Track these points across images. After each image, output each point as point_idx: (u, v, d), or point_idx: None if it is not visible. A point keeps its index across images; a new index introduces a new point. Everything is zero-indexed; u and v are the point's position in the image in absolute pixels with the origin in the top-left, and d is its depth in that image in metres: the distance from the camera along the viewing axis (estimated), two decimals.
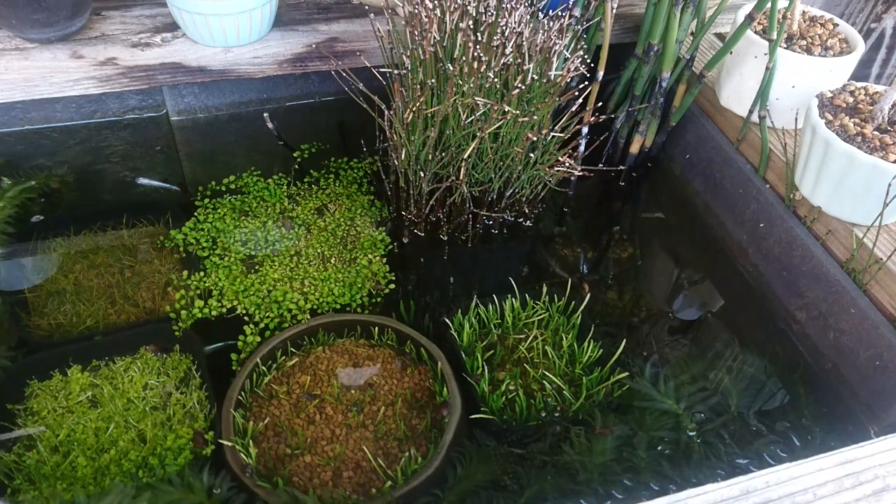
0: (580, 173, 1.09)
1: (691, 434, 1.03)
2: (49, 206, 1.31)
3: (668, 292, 1.31)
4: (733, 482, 0.78)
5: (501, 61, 1.08)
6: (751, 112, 1.25)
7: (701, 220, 1.40)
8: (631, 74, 1.39)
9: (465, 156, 1.10)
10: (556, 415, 1.07)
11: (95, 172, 1.38)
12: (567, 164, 1.09)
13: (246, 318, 1.17)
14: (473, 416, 1.05)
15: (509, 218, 1.33)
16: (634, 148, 1.41)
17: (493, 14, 1.09)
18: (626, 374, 1.10)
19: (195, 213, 1.32)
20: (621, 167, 1.44)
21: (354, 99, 1.24)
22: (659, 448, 1.01)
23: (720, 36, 1.54)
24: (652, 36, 1.24)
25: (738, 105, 1.29)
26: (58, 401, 1.03)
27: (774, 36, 1.13)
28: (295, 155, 1.47)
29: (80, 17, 1.25)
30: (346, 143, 1.51)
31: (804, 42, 1.21)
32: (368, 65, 1.20)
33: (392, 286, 1.25)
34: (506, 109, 0.99)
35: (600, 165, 1.37)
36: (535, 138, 1.03)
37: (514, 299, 1.21)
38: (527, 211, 1.32)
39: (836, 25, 1.25)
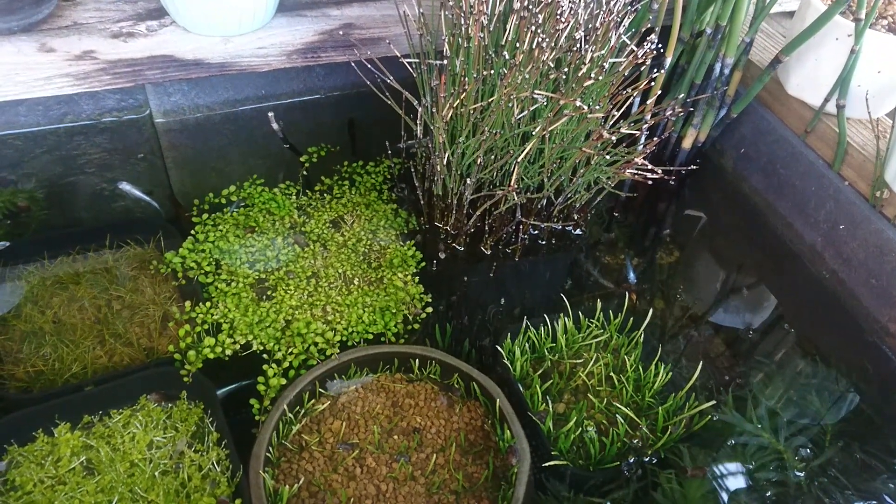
0: (659, 175, 0.95)
1: (799, 474, 0.90)
2: (16, 227, 1.14)
3: (734, 303, 1.19)
4: None
5: (560, 45, 0.92)
6: (826, 101, 1.12)
7: (763, 221, 1.29)
8: (675, 61, 1.25)
9: (519, 158, 0.95)
10: (647, 458, 0.92)
11: (69, 186, 1.22)
12: (644, 165, 0.94)
13: (264, 355, 1.01)
14: (547, 465, 0.90)
15: (558, 226, 1.18)
16: (687, 143, 1.27)
17: None
18: (712, 402, 0.97)
19: (193, 232, 1.15)
20: (686, 166, 1.30)
21: (365, 93, 1.10)
22: (767, 493, 0.88)
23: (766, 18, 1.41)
24: (722, 16, 1.10)
25: (811, 93, 1.17)
26: (45, 469, 0.88)
27: (863, 15, 1.00)
28: (302, 159, 1.30)
29: (47, 3, 1.06)
30: (359, 145, 1.35)
31: (885, 21, 1.09)
32: (397, 54, 1.03)
33: (429, 309, 1.09)
34: (578, 103, 0.84)
35: (646, 163, 1.24)
36: (613, 137, 0.88)
37: (566, 318, 1.07)
38: (576, 218, 1.18)
39: None
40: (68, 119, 1.22)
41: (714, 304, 1.19)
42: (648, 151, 1.02)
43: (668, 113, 0.98)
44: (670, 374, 1.02)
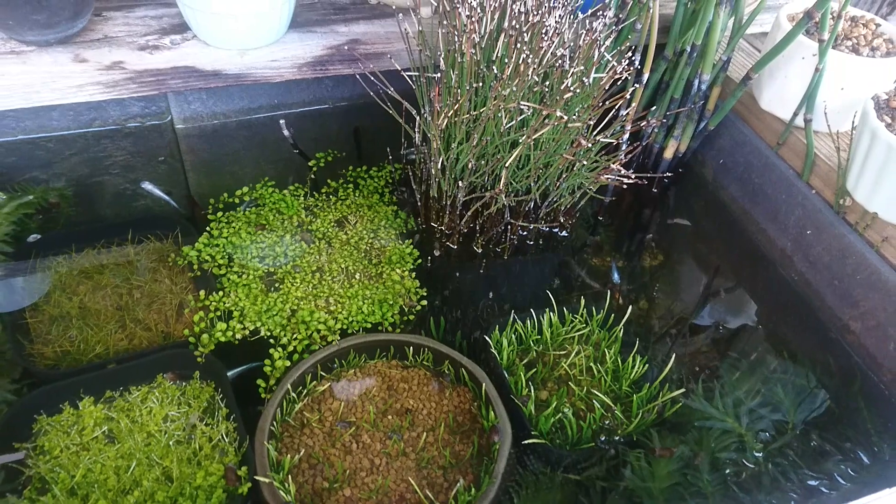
0: (633, 180, 1.03)
1: (758, 455, 0.97)
2: (47, 222, 1.22)
3: (710, 302, 1.26)
4: None
5: (545, 61, 1.01)
6: (795, 115, 1.20)
7: (739, 227, 1.36)
8: (660, 77, 1.34)
9: (507, 163, 1.04)
10: (617, 437, 1.00)
11: (95, 185, 1.30)
12: (619, 171, 1.03)
13: (271, 340, 1.10)
14: (526, 442, 0.98)
15: (545, 228, 1.27)
16: (668, 153, 1.36)
17: (535, 14, 1.02)
18: (682, 390, 1.04)
19: (208, 228, 1.23)
20: (666, 174, 1.38)
21: (370, 104, 1.18)
22: (726, 471, 0.96)
23: (745, 38, 1.50)
24: (696, 36, 1.19)
25: (781, 108, 1.25)
26: (70, 437, 0.95)
27: (825, 36, 1.09)
28: (310, 164, 1.39)
29: (82, 18, 1.16)
30: (363, 151, 1.44)
31: (850, 42, 1.17)
32: (399, 68, 1.12)
33: (423, 302, 1.17)
34: (558, 114, 0.93)
35: (630, 172, 1.32)
36: (589, 145, 0.97)
37: (551, 313, 1.15)
38: (562, 220, 1.26)
39: (878, 25, 1.21)
40: (97, 124, 1.32)
41: (691, 304, 1.26)
42: (625, 159, 1.10)
43: (643, 124, 1.06)
44: (647, 366, 1.10)
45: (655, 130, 1.35)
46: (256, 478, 0.90)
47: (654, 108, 1.36)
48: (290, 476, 0.93)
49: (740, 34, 1.23)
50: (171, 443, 0.95)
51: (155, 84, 1.15)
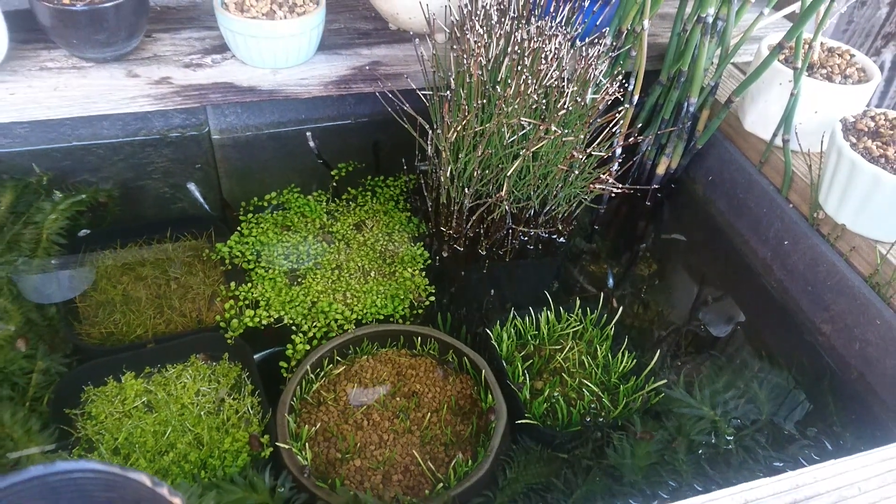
0: (620, 190, 1.15)
1: (729, 438, 1.07)
2: (96, 219, 1.33)
3: (695, 307, 1.36)
4: (783, 477, 0.82)
5: (545, 83, 1.14)
6: (774, 136, 1.31)
7: (725, 239, 1.46)
8: (655, 100, 1.46)
9: (509, 173, 1.16)
10: (601, 420, 1.11)
11: (139, 188, 1.41)
12: (609, 182, 1.15)
13: (293, 327, 1.21)
14: (519, 422, 1.08)
15: (544, 234, 1.38)
16: (660, 169, 1.47)
17: (536, 41, 1.15)
18: (664, 381, 1.14)
19: (239, 228, 1.35)
20: (654, 187, 1.50)
21: (388, 120, 1.29)
22: (699, 452, 1.06)
23: (736, 65, 1.61)
24: (683, 63, 1.31)
25: (762, 129, 1.36)
26: (114, 406, 1.06)
27: (799, 64, 1.20)
28: (333, 173, 1.51)
29: (135, 38, 1.30)
30: (381, 162, 1.56)
31: (824, 71, 1.28)
32: (414, 87, 1.25)
33: (432, 298, 1.29)
34: (553, 129, 1.05)
35: (620, 183, 1.43)
36: (581, 157, 1.09)
37: (549, 312, 1.25)
38: (560, 228, 1.38)
39: (852, 56, 1.33)
40: (142, 133, 1.43)
41: (680, 307, 1.36)
42: (617, 172, 1.21)
43: (630, 140, 1.18)
44: (634, 360, 1.20)
45: (649, 148, 1.47)
46: (277, 444, 0.99)
47: (649, 127, 1.48)
48: (306, 445, 1.03)
49: (726, 62, 1.34)
50: (202, 413, 1.05)
51: (197, 98, 1.29)
